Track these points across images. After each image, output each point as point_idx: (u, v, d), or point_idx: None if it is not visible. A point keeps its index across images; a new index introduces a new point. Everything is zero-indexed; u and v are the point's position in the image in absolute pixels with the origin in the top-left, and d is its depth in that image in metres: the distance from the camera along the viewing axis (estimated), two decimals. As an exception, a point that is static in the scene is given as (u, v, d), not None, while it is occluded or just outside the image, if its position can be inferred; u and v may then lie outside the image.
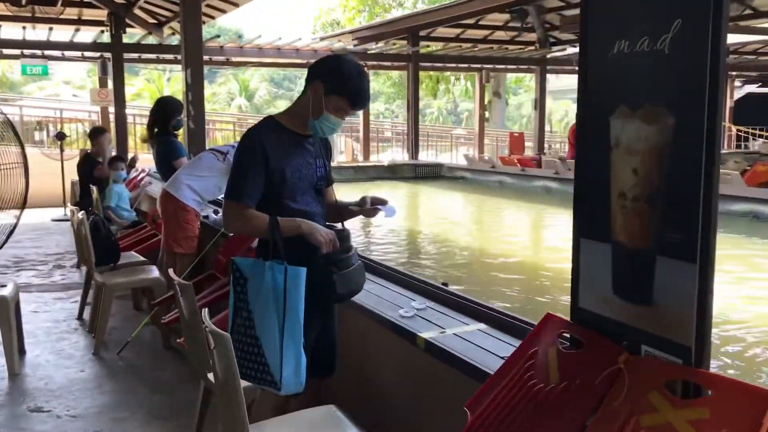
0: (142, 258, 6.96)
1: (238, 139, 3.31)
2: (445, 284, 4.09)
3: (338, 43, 17.28)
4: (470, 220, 12.28)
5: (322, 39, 18.66)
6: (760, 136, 24.95)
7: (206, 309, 2.83)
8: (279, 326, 2.71)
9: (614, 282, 2.21)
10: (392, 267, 4.41)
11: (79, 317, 6.59)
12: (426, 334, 3.07)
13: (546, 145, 19.22)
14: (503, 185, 15.34)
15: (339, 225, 3.11)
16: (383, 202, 3.14)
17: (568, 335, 2.37)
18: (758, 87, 26.89)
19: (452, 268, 7.79)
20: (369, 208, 3.06)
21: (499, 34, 18.95)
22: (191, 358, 3.93)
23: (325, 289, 2.87)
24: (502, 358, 2.73)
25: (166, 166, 6.63)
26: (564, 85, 30.65)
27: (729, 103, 23.71)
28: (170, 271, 3.72)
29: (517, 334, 3.05)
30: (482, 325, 3.25)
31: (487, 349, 2.90)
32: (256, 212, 2.81)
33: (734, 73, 23.17)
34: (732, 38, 20.28)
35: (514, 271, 7.62)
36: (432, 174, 16.87)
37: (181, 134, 7.55)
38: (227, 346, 2.60)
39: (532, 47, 18.78)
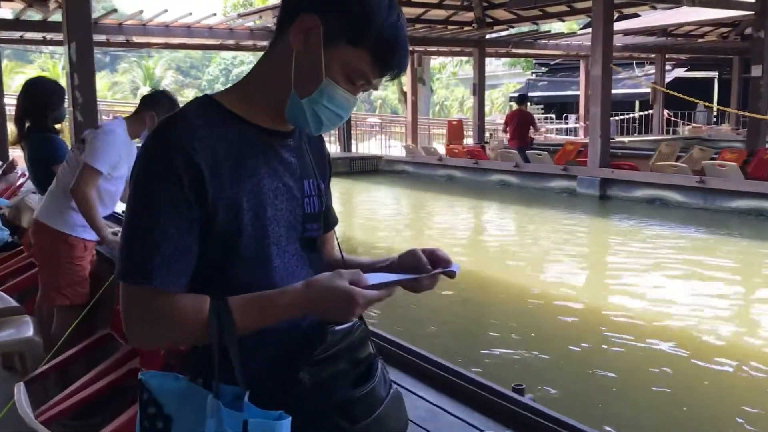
0: (12, 302, 4.87)
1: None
2: (520, 388, 2.47)
3: (258, 20, 15.27)
4: (433, 227, 10.55)
5: (240, 16, 16.56)
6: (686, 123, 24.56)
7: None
8: None
9: None
10: (419, 352, 2.68)
11: None
12: None
13: (487, 134, 17.84)
14: (452, 180, 13.84)
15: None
16: (446, 263, 1.39)
17: None
18: (686, 71, 26.51)
19: (451, 313, 6.02)
20: (429, 275, 1.36)
21: (434, 13, 17.37)
22: None
23: None
24: None
25: (44, 173, 4.61)
26: (470, 72, 29.48)
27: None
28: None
29: None
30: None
31: None
32: (185, 298, 1.27)
33: (666, 55, 22.49)
34: (667, 19, 19.52)
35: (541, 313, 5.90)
36: (369, 168, 15.18)
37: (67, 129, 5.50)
38: None
39: (469, 27, 17.31)
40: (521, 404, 2.37)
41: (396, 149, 19.16)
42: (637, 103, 26.73)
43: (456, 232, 9.88)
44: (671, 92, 17.24)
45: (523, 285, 6.54)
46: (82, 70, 6.20)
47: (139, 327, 1.26)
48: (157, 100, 3.81)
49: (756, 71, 11.77)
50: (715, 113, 26.46)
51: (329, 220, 1.48)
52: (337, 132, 17.43)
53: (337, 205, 10.63)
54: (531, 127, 14.38)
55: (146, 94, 3.96)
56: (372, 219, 10.58)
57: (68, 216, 3.98)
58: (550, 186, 11.89)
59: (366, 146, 20.28)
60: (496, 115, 31.01)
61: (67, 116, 5.17)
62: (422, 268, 1.33)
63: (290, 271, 1.32)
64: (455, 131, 17.44)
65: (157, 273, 1.21)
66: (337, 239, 1.56)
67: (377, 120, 27.03)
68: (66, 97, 5.33)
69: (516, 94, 21.92)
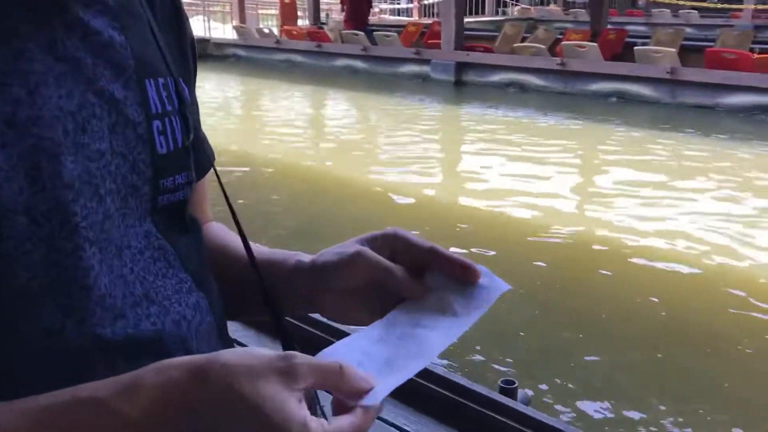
0: None
1: None
2: (510, 387, 1.81)
3: None
4: (272, 119, 9.41)
5: None
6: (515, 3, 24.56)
7: None
8: None
9: None
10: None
11: None
12: None
13: (323, 14, 16.46)
14: (293, 65, 12.60)
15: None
16: (465, 272, 0.63)
17: None
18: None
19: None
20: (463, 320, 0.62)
21: None
22: None
23: None
24: None
25: None
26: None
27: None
28: None
29: None
30: None
31: None
32: None
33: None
34: None
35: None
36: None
37: None
38: None
39: None
40: (515, 414, 1.61)
41: (219, 31, 17.33)
42: (466, -18, 26.32)
43: (298, 124, 8.87)
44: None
45: (370, 181, 5.89)
46: None
47: None
48: None
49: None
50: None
51: (201, 158, 0.72)
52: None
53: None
54: (369, 8, 13.31)
55: None
56: (203, 114, 9.27)
57: None
58: (400, 71, 11.05)
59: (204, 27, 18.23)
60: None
61: None
62: (399, 285, 0.64)
63: (142, 294, 0.59)
64: (288, 11, 15.97)
65: None
66: (228, 200, 0.73)
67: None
68: None
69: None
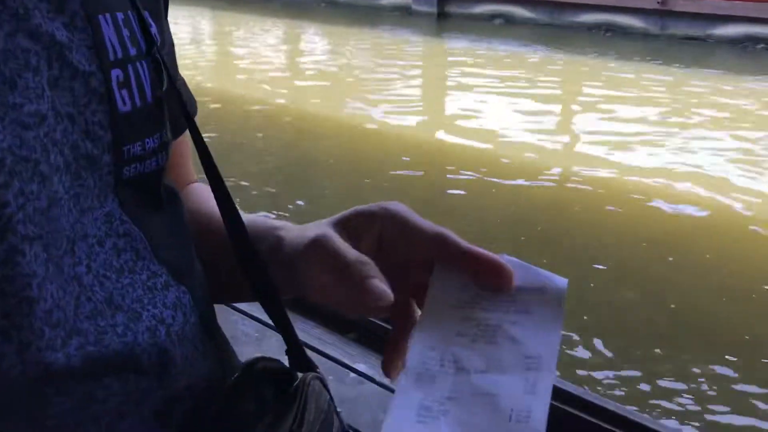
0: None
1: None
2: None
3: None
4: (244, 55, 9.11)
5: None
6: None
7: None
8: None
9: None
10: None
11: None
12: None
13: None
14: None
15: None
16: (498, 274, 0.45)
17: None
18: None
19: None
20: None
21: None
22: None
23: None
24: None
25: None
26: None
27: None
28: None
29: None
30: None
31: None
32: None
33: None
34: None
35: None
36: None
37: None
38: None
39: None
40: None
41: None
42: None
43: (271, 60, 8.59)
44: None
45: (350, 117, 5.76)
46: None
47: None
48: None
49: None
50: None
51: (177, 112, 0.55)
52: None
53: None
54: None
55: None
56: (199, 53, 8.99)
57: None
58: (381, 3, 10.74)
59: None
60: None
61: None
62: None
63: (104, 299, 0.45)
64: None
65: None
66: (212, 164, 0.54)
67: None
68: None
69: None
